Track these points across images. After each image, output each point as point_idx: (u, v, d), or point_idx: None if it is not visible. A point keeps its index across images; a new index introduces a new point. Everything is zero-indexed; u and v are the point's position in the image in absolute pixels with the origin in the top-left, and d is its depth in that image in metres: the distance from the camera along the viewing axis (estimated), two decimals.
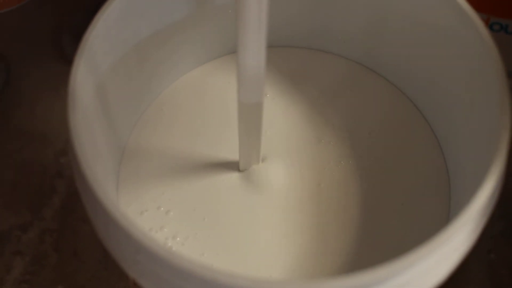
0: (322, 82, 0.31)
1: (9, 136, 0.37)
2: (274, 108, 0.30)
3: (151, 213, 0.27)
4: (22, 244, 0.34)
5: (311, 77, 0.31)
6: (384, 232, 0.27)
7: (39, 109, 0.38)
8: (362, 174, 0.28)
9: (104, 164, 0.27)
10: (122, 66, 0.28)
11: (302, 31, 0.31)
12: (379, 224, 0.27)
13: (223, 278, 0.20)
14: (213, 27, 0.30)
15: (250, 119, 0.26)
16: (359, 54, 0.31)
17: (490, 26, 0.33)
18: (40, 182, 0.36)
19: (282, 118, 0.30)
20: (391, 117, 0.30)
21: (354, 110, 0.30)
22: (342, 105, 0.30)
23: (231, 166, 0.28)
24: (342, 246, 0.26)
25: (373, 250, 0.26)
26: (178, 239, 0.27)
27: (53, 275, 0.34)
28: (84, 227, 0.34)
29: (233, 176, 0.28)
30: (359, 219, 0.27)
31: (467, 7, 0.26)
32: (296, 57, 0.32)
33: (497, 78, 0.24)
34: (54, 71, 0.39)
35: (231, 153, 0.29)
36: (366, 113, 0.30)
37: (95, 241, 0.34)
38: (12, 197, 0.35)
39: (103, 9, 0.26)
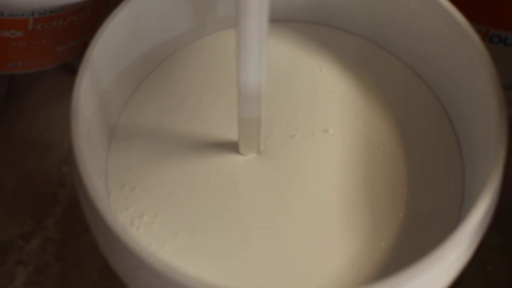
0: (329, 58, 0.30)
1: (12, 146, 0.37)
2: (273, 89, 0.29)
3: (115, 193, 0.26)
4: (24, 253, 0.34)
5: (318, 53, 0.30)
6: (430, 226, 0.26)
7: (41, 118, 0.38)
8: (382, 162, 0.27)
9: (97, 156, 0.26)
10: (126, 75, 0.28)
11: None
12: (424, 219, 0.26)
13: None
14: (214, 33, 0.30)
15: (249, 131, 0.26)
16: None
17: (489, 38, 0.34)
18: (42, 191, 0.36)
19: (281, 99, 0.29)
20: (405, 98, 0.29)
21: (362, 87, 0.29)
22: (350, 81, 0.29)
23: (218, 145, 0.27)
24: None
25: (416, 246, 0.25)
26: (145, 218, 0.26)
27: (56, 285, 0.34)
28: (86, 236, 0.35)
29: (220, 156, 0.27)
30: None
31: (463, 21, 0.26)
32: (304, 32, 0.31)
33: (493, 97, 0.24)
34: (56, 80, 0.39)
35: (223, 132, 0.27)
36: (376, 90, 0.29)
37: (97, 251, 0.34)
38: (15, 206, 0.36)
39: (105, 24, 0.26)
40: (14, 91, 0.39)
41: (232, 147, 0.27)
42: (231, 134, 0.27)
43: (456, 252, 0.22)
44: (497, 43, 0.34)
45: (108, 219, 0.22)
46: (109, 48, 0.26)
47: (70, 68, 0.38)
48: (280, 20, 0.30)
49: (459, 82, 0.27)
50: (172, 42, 0.29)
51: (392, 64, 0.30)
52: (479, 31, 0.33)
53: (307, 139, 0.27)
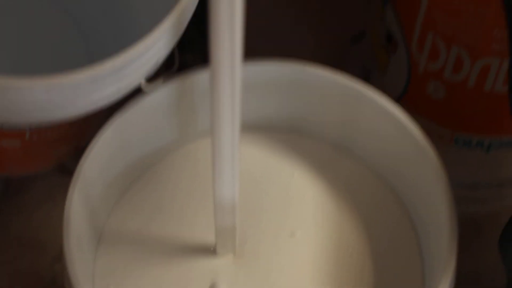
0: (301, 165, 0.32)
1: (6, 245, 0.39)
2: (247, 193, 0.31)
3: None
4: None
5: (291, 160, 0.32)
6: None
7: (37, 218, 0.39)
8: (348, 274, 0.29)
9: (86, 259, 0.28)
10: (113, 184, 0.30)
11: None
12: None
13: None
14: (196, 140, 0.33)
15: (225, 237, 0.28)
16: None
17: (454, 141, 0.36)
18: None
19: (255, 203, 0.31)
20: (372, 203, 0.31)
21: (332, 192, 0.31)
22: (321, 186, 0.31)
23: (199, 248, 0.29)
24: None
25: None
26: None
27: None
28: None
29: (201, 259, 0.29)
30: None
31: (421, 139, 0.29)
32: (278, 140, 0.32)
33: (446, 208, 0.27)
34: (52, 180, 0.40)
35: (205, 236, 0.29)
36: (345, 195, 0.31)
37: None
38: None
39: (94, 141, 0.29)
40: (10, 191, 0.41)
41: (212, 251, 0.29)
42: (212, 238, 0.29)
43: None
44: (461, 146, 0.36)
45: None
46: (97, 164, 0.28)
47: (65, 169, 0.40)
48: (254, 129, 0.33)
49: (419, 191, 0.30)
50: (156, 152, 0.32)
51: (361, 171, 0.32)
52: (444, 135, 0.36)
53: (278, 242, 0.29)
